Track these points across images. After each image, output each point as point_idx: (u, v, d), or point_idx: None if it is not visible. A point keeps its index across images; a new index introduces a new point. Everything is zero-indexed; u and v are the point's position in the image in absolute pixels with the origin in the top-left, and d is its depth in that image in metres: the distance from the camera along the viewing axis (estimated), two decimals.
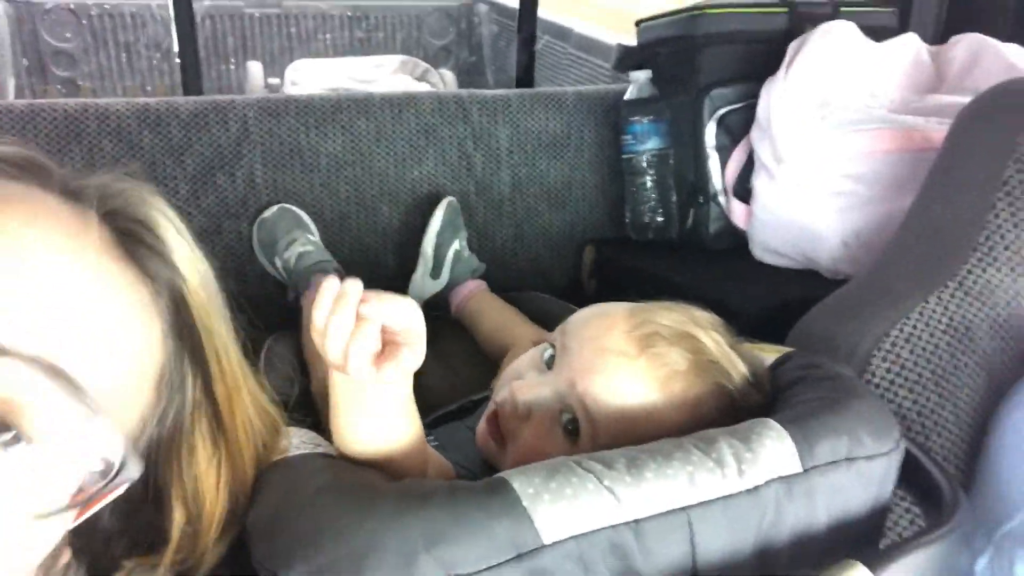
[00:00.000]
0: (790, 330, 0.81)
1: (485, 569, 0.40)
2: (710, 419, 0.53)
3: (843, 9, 1.18)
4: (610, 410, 0.54)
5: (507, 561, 0.40)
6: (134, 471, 0.37)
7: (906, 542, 0.45)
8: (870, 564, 0.42)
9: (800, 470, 0.46)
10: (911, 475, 0.53)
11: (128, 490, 0.38)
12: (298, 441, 0.52)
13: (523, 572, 0.40)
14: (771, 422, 0.48)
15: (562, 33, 2.49)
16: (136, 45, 2.82)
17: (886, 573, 0.43)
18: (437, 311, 1.17)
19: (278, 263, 1.13)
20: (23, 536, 0.35)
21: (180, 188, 1.11)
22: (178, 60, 1.31)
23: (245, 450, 0.48)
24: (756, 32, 1.15)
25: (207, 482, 0.45)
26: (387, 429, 0.50)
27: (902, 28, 1.23)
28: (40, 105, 1.05)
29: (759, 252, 1.13)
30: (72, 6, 2.75)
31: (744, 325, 0.69)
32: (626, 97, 1.22)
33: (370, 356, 0.46)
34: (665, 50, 1.20)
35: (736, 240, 1.16)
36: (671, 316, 0.57)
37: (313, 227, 1.18)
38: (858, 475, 0.48)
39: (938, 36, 1.18)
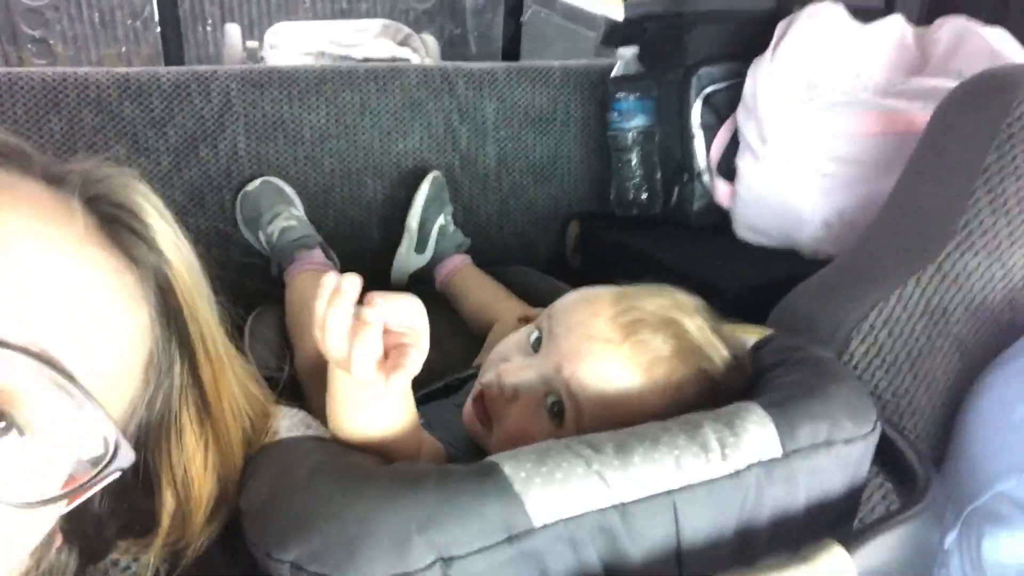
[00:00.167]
0: (772, 309, 0.83)
1: (477, 551, 0.41)
2: (692, 402, 0.54)
3: None
4: (594, 395, 0.55)
5: (498, 543, 0.41)
6: (126, 459, 0.37)
7: (880, 521, 0.47)
8: (847, 544, 0.44)
9: (781, 454, 0.47)
10: (886, 455, 0.54)
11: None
12: (288, 423, 0.52)
13: (514, 554, 0.41)
14: (754, 406, 0.49)
15: (549, 2, 2.46)
16: (112, 7, 2.74)
17: (862, 551, 0.45)
18: (422, 285, 1.17)
19: (261, 237, 1.12)
20: (15, 525, 0.35)
21: (162, 160, 1.10)
22: (159, 29, 1.28)
23: (233, 432, 0.48)
24: (744, 11, 1.15)
25: (195, 465, 0.45)
26: (386, 417, 0.51)
27: (888, 10, 1.23)
28: (18, 74, 1.03)
29: (742, 231, 1.14)
30: None
31: (726, 303, 0.71)
32: (613, 74, 1.22)
33: (374, 360, 0.46)
34: (653, 26, 1.19)
35: (719, 218, 1.17)
36: (655, 302, 0.58)
37: (297, 200, 1.17)
38: (837, 458, 0.50)
39: (923, 18, 1.19)
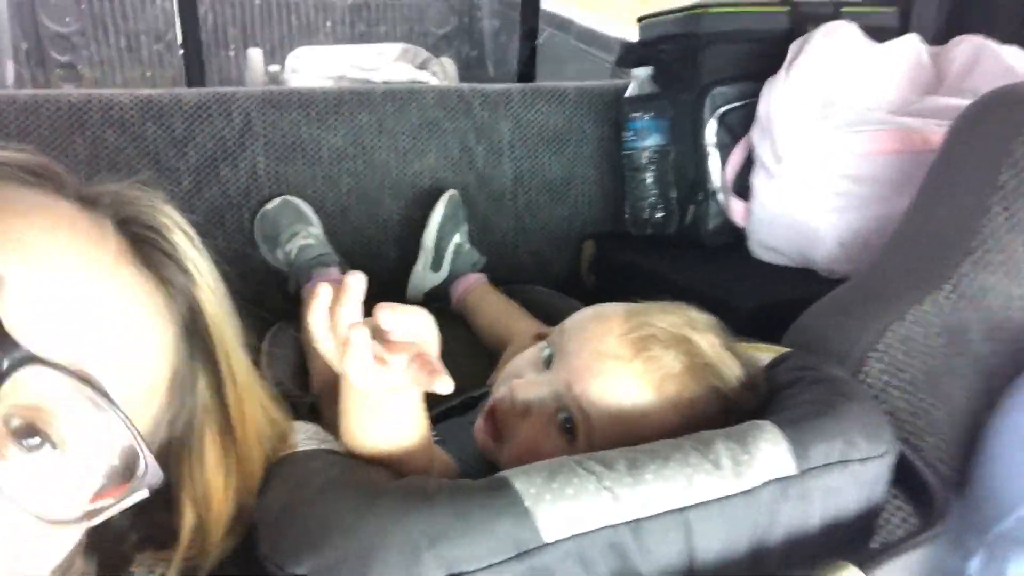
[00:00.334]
0: (786, 328, 0.82)
1: (487, 567, 0.41)
2: (705, 420, 0.54)
3: (844, 9, 1.19)
4: (606, 412, 0.55)
5: (508, 559, 0.41)
6: (155, 477, 0.38)
7: (897, 543, 0.46)
8: (861, 565, 0.44)
9: (795, 472, 0.47)
10: (903, 475, 0.54)
11: None
12: (303, 436, 0.53)
13: (524, 570, 0.41)
14: (767, 424, 0.49)
15: (564, 25, 2.49)
16: (136, 33, 2.80)
17: (877, 573, 0.44)
18: (438, 303, 1.18)
19: (280, 255, 1.14)
20: (44, 538, 0.36)
21: (183, 180, 1.11)
22: (181, 51, 1.31)
23: (254, 452, 0.48)
24: (757, 31, 1.15)
25: (217, 483, 0.46)
26: (397, 430, 0.51)
27: (903, 29, 1.23)
28: (44, 96, 1.06)
29: (757, 250, 1.14)
30: None
31: (742, 322, 0.70)
32: (627, 93, 1.23)
33: (367, 366, 0.45)
34: (667, 47, 1.20)
35: (734, 237, 1.17)
36: (667, 319, 0.58)
37: (315, 219, 1.18)
38: (852, 477, 0.50)
39: (939, 37, 1.19)
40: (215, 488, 0.46)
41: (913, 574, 0.46)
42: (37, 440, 0.34)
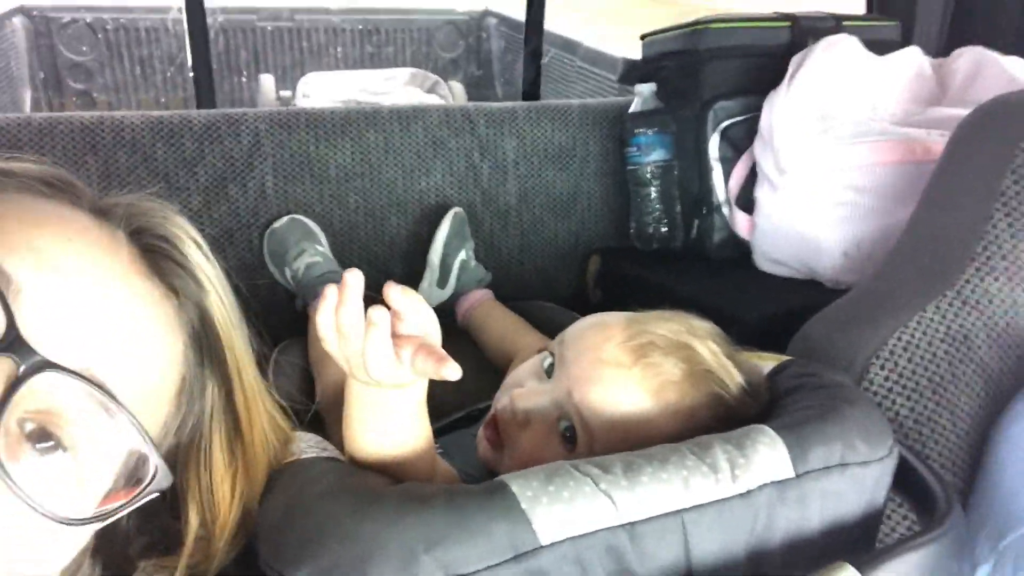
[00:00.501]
0: (791, 339, 0.82)
1: (484, 569, 0.41)
2: (705, 427, 0.54)
3: (845, 23, 1.20)
4: (606, 419, 0.55)
5: (505, 562, 0.41)
6: (164, 480, 0.39)
7: (896, 545, 0.46)
8: (860, 566, 0.43)
9: (793, 475, 0.47)
10: (906, 480, 0.53)
11: None
12: (305, 445, 0.53)
13: (521, 572, 0.41)
14: (765, 428, 0.49)
15: (569, 46, 2.51)
16: (150, 59, 2.86)
17: (876, 574, 0.44)
18: (444, 319, 1.18)
19: (287, 273, 1.15)
20: (53, 540, 0.36)
21: (192, 199, 1.13)
22: (192, 74, 1.33)
23: (260, 460, 0.49)
24: (759, 46, 1.16)
25: (223, 490, 0.47)
26: (400, 434, 0.51)
27: (905, 41, 1.24)
28: (57, 118, 1.08)
29: (761, 262, 1.14)
30: (89, 20, 2.80)
31: (746, 334, 0.70)
32: (631, 109, 1.24)
33: (387, 350, 0.46)
34: (669, 64, 1.21)
35: (739, 250, 1.17)
36: (667, 326, 0.58)
37: (322, 237, 1.19)
38: (852, 480, 0.49)
39: (941, 49, 1.19)
40: (221, 494, 0.46)
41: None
42: (50, 443, 0.35)
